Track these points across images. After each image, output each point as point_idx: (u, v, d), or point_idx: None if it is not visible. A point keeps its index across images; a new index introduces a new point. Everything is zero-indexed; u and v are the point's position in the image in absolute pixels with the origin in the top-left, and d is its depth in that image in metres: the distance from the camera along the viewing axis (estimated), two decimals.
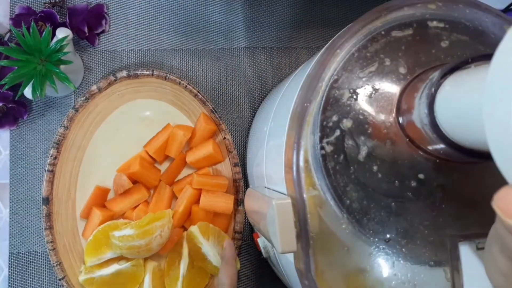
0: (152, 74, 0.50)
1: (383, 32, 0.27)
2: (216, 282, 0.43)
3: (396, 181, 0.26)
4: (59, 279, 0.47)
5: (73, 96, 0.53)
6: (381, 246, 0.26)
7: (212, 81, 0.55)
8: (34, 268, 0.51)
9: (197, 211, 0.50)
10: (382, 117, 0.26)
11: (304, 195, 0.26)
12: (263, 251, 0.45)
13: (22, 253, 0.51)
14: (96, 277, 0.47)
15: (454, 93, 0.21)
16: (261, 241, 0.46)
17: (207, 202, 0.49)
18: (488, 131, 0.15)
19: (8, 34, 0.50)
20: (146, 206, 0.50)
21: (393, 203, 0.26)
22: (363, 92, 0.26)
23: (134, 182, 0.50)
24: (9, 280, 0.51)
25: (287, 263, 0.34)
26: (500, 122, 0.15)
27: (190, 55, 0.55)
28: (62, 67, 0.46)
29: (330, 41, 0.29)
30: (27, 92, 0.47)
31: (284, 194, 0.29)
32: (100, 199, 0.50)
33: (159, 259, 0.50)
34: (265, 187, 0.38)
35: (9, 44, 0.47)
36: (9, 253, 0.51)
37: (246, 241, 0.54)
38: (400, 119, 0.25)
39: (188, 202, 0.50)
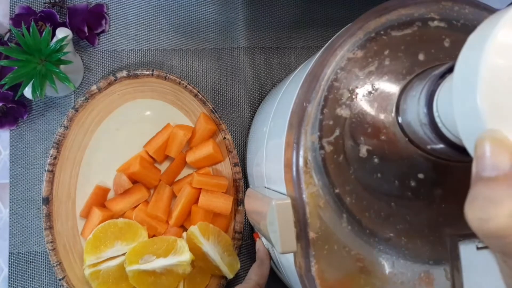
0: (152, 74, 0.50)
1: (382, 32, 0.27)
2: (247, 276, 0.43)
3: (396, 181, 0.26)
4: (59, 279, 0.47)
5: (73, 96, 0.53)
6: (381, 246, 0.26)
7: (212, 81, 0.55)
8: (34, 268, 0.51)
9: (196, 211, 0.50)
10: (381, 116, 0.26)
11: (304, 195, 0.26)
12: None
13: (22, 253, 0.51)
14: (102, 269, 0.47)
15: (447, 93, 0.21)
16: (263, 241, 0.47)
17: (205, 202, 0.49)
18: (459, 122, 0.18)
19: (8, 34, 0.50)
20: (146, 205, 0.50)
21: (393, 203, 0.26)
22: (363, 91, 0.26)
23: (134, 182, 0.50)
24: (9, 280, 0.51)
25: (287, 263, 0.34)
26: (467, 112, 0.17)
27: (190, 55, 0.55)
28: (62, 67, 0.46)
29: (330, 41, 0.29)
30: (27, 92, 0.47)
31: (284, 194, 0.29)
32: (100, 198, 0.50)
33: None
34: (265, 187, 0.38)
35: (9, 44, 0.47)
36: (9, 253, 0.51)
37: (246, 241, 0.54)
38: (400, 119, 0.25)
39: (186, 202, 0.50)
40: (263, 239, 0.45)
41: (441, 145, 0.23)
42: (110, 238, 0.48)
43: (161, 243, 0.47)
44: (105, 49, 0.54)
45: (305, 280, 0.27)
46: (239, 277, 0.53)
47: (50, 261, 0.48)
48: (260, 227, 0.32)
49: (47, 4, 0.52)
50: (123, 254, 0.48)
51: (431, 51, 0.27)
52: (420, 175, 0.26)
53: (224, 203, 0.49)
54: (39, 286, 0.51)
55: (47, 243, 0.48)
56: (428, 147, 0.24)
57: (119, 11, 0.54)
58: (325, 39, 0.57)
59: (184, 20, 0.55)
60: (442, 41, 0.27)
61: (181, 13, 0.55)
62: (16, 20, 0.49)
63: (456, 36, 0.27)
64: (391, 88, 0.26)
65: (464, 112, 0.17)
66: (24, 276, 0.51)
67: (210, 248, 0.48)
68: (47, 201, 0.48)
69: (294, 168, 0.27)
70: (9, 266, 0.51)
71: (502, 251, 0.17)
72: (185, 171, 0.53)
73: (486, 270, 0.26)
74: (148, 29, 0.54)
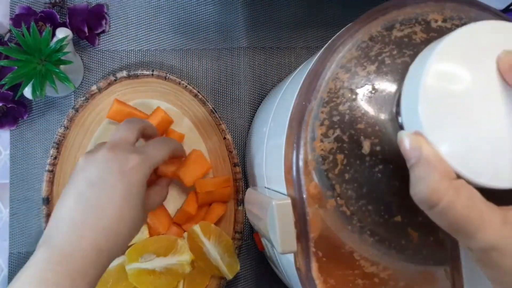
0: (152, 74, 0.50)
1: (383, 32, 0.27)
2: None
3: (396, 181, 0.26)
4: None
5: (73, 96, 0.53)
6: (381, 246, 0.26)
7: (212, 81, 0.55)
8: None
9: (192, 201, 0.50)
10: (382, 116, 0.26)
11: (304, 195, 0.26)
12: (266, 249, 0.45)
13: (22, 253, 0.51)
14: None
15: None
16: (262, 241, 0.47)
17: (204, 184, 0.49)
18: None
19: (8, 34, 0.50)
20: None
21: (393, 203, 0.26)
22: (363, 91, 0.26)
23: None
24: (9, 280, 0.51)
25: (287, 263, 0.34)
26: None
27: (190, 55, 0.55)
28: (62, 67, 0.46)
29: (330, 41, 0.29)
30: (27, 92, 0.47)
31: (284, 194, 0.29)
32: None
33: None
34: (265, 187, 0.38)
35: (9, 44, 0.47)
36: (9, 253, 0.51)
37: (246, 241, 0.54)
38: (400, 119, 0.25)
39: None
40: (263, 239, 0.45)
41: None
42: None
43: (161, 242, 0.47)
44: (105, 49, 0.54)
45: (305, 280, 0.27)
46: (238, 278, 0.53)
47: None
48: (260, 227, 0.32)
49: (47, 4, 0.52)
50: None
51: None
52: None
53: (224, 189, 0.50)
54: None
55: None
56: None
57: (119, 11, 0.54)
58: (325, 39, 0.57)
59: (184, 20, 0.55)
60: None
61: (181, 13, 0.55)
62: (16, 20, 0.49)
63: None
64: (391, 88, 0.26)
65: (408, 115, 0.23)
66: None
67: (211, 248, 0.48)
68: (47, 201, 0.48)
69: (294, 168, 0.27)
70: (9, 266, 0.51)
71: (445, 225, 0.20)
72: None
73: None
74: (148, 29, 0.54)
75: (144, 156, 0.37)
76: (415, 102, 0.21)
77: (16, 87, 0.45)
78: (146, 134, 0.43)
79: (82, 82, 0.53)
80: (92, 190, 0.34)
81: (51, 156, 0.49)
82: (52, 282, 0.30)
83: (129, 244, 0.38)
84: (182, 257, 0.46)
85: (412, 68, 0.23)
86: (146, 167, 0.37)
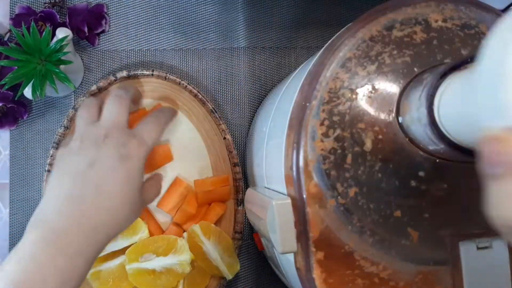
0: (152, 74, 0.50)
1: (383, 32, 0.27)
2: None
3: (397, 181, 0.26)
4: None
5: (73, 96, 0.53)
6: (381, 246, 0.26)
7: (212, 81, 0.55)
8: None
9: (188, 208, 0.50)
10: (382, 116, 0.26)
11: (304, 195, 0.26)
12: (266, 249, 0.46)
13: None
14: (102, 269, 0.47)
15: (453, 93, 0.21)
16: (262, 241, 0.47)
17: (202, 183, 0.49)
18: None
19: (8, 34, 0.50)
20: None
21: (393, 203, 0.26)
22: (363, 91, 0.26)
23: None
24: None
25: (287, 263, 0.34)
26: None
27: (190, 55, 0.55)
28: (62, 67, 0.46)
29: (330, 41, 0.29)
30: (27, 92, 0.47)
31: (284, 194, 0.29)
32: None
33: None
34: (265, 187, 0.38)
35: (9, 44, 0.47)
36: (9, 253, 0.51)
37: (246, 241, 0.54)
38: (400, 119, 0.25)
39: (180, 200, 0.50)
40: (263, 239, 0.45)
41: (442, 146, 0.22)
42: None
43: (161, 242, 0.47)
44: (105, 49, 0.54)
45: (305, 280, 0.27)
46: (238, 278, 0.53)
47: None
48: (260, 227, 0.32)
49: (47, 4, 0.52)
50: (124, 248, 0.48)
51: (433, 51, 0.27)
52: (421, 175, 0.26)
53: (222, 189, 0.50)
54: None
55: None
56: (429, 147, 0.24)
57: (119, 11, 0.54)
58: (325, 39, 0.57)
59: (184, 20, 0.55)
60: (444, 41, 0.27)
61: (181, 13, 0.55)
62: (16, 20, 0.49)
63: (458, 36, 0.27)
64: (391, 88, 0.26)
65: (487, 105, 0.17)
66: None
67: (211, 248, 0.48)
68: None
69: (294, 168, 0.27)
70: None
71: None
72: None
73: (487, 270, 0.26)
74: (148, 29, 0.54)
75: (141, 140, 0.37)
76: (498, 87, 0.16)
77: (16, 87, 0.45)
78: (134, 100, 0.44)
79: (82, 82, 0.53)
80: (92, 170, 0.34)
81: (51, 156, 0.49)
82: (47, 262, 0.30)
83: (127, 228, 0.37)
84: (182, 257, 0.46)
85: (488, 49, 0.17)
86: (143, 153, 0.36)
